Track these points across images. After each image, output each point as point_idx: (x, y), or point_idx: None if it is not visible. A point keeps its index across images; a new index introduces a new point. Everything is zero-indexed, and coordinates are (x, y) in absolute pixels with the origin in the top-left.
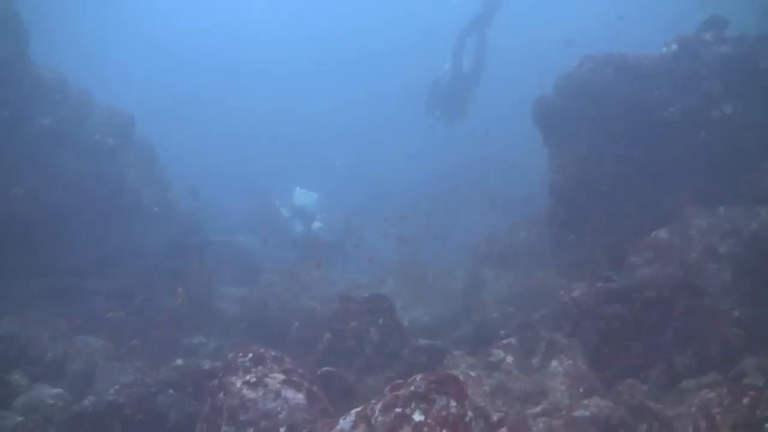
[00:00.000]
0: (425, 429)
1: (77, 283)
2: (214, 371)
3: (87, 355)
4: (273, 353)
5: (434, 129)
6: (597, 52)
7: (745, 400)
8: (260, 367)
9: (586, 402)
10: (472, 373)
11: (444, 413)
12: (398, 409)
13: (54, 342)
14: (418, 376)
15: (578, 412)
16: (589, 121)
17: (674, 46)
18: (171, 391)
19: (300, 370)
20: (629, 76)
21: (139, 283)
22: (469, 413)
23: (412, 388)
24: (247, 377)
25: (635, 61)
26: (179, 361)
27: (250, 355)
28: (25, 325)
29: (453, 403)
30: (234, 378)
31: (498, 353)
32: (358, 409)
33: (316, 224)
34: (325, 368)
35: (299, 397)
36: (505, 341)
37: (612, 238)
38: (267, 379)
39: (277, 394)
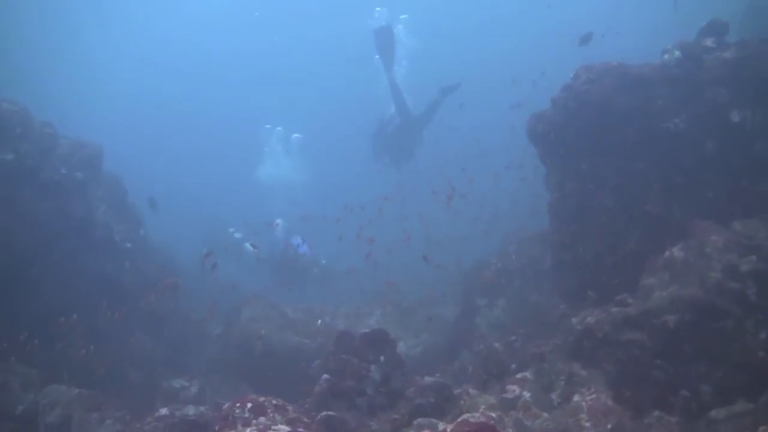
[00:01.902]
0: None
1: (48, 327)
2: (204, 421)
3: (62, 406)
4: (274, 401)
5: (382, 172)
6: (594, 62)
7: None
8: (261, 419)
9: None
10: (494, 414)
11: None
12: None
13: (25, 392)
14: (449, 427)
15: None
16: (589, 134)
17: (676, 53)
18: None
19: (305, 419)
20: (630, 85)
21: (114, 325)
22: None
23: None
24: (248, 431)
25: (636, 70)
26: (164, 411)
27: (249, 404)
28: None
29: None
30: None
31: (513, 389)
32: None
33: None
34: (325, 413)
35: None
36: (519, 375)
37: (618, 258)
38: None
39: None
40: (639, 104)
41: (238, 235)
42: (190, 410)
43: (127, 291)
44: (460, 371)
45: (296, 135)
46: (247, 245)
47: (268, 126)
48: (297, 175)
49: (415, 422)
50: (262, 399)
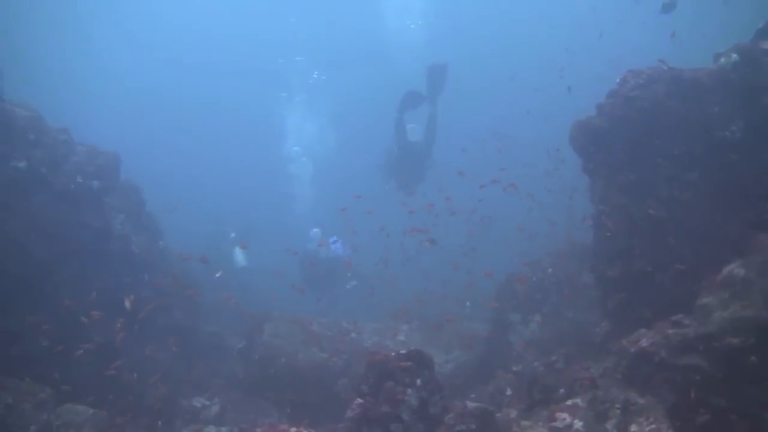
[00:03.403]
0: None
1: (62, 344)
2: None
3: (75, 427)
4: None
5: (393, 194)
6: (642, 67)
7: None
8: None
9: None
10: None
11: None
12: None
13: (38, 412)
14: None
15: None
16: (638, 143)
17: (734, 56)
18: None
19: None
20: (683, 91)
21: (131, 341)
22: None
23: None
24: None
25: (689, 75)
26: None
27: None
28: (4, 392)
29: None
30: None
31: (563, 417)
32: None
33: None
34: None
35: None
36: (569, 402)
37: (669, 275)
38: None
39: None
40: (692, 111)
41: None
42: (211, 431)
43: (144, 305)
44: (497, 392)
45: (316, 75)
46: (237, 248)
47: (281, 60)
48: (321, 147)
49: None
50: (293, 430)
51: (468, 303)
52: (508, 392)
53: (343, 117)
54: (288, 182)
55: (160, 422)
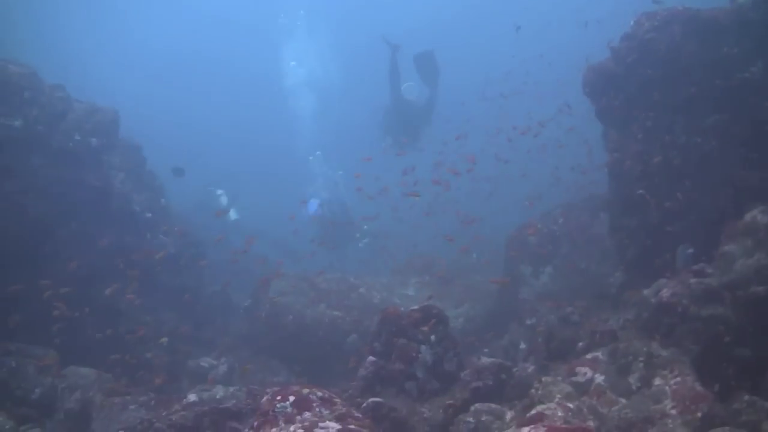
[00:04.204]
0: None
1: (64, 305)
2: (237, 409)
3: (81, 390)
4: (319, 393)
5: (387, 152)
6: (657, 8)
7: None
8: (306, 414)
9: None
10: (571, 405)
11: None
12: None
13: (42, 375)
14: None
15: None
16: (654, 87)
17: None
18: None
19: (356, 413)
20: (700, 32)
21: (135, 301)
22: None
23: None
24: (291, 428)
25: (707, 15)
26: (192, 396)
27: (292, 398)
28: (7, 356)
29: None
30: (274, 430)
31: (584, 371)
32: None
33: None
34: (372, 399)
35: None
36: (589, 356)
37: (688, 223)
38: (317, 430)
39: None
40: (711, 52)
41: (223, 198)
42: (219, 391)
43: (147, 264)
44: (511, 346)
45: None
46: (218, 191)
47: None
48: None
49: (472, 408)
50: (305, 391)
51: (474, 255)
52: (522, 346)
53: (346, 44)
54: (288, 118)
55: (167, 382)
